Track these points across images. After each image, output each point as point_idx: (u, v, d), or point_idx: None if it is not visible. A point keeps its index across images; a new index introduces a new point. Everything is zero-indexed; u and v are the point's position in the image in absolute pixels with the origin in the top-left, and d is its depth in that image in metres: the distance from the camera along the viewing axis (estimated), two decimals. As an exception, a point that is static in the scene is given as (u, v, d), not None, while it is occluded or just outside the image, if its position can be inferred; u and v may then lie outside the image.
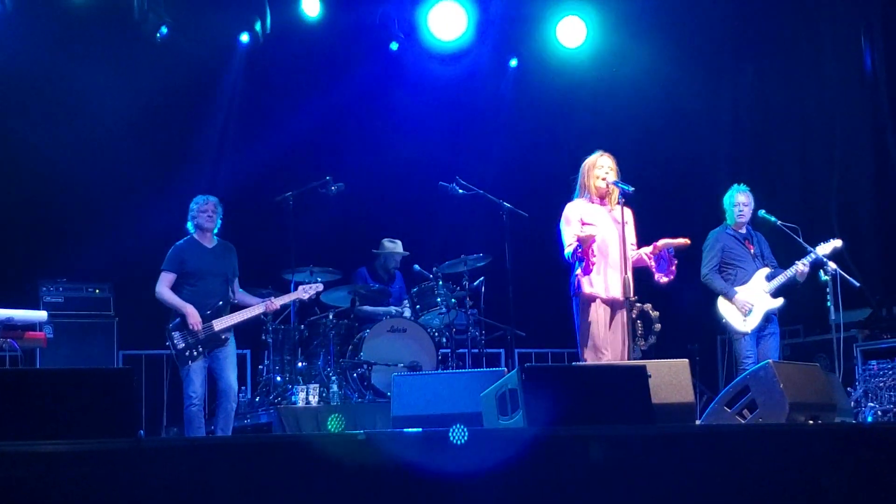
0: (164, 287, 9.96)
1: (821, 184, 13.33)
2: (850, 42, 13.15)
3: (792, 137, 13.92)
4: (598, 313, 8.81)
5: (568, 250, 8.89)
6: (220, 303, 9.97)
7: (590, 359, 8.77)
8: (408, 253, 12.73)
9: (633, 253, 8.97)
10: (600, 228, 8.91)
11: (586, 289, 8.85)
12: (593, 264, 8.79)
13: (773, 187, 13.28)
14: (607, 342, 8.79)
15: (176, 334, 9.77)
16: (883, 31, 12.77)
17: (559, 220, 9.09)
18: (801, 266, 10.32)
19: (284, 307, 11.04)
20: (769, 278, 10.39)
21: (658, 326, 8.92)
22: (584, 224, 8.94)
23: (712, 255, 10.64)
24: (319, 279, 10.89)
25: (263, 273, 11.09)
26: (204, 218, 10.08)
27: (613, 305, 8.85)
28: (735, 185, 10.80)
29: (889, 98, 12.63)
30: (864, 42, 12.91)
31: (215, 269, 10.08)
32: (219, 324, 9.87)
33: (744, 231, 10.68)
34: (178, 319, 9.81)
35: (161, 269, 10.02)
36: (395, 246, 12.72)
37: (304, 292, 10.52)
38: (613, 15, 14.68)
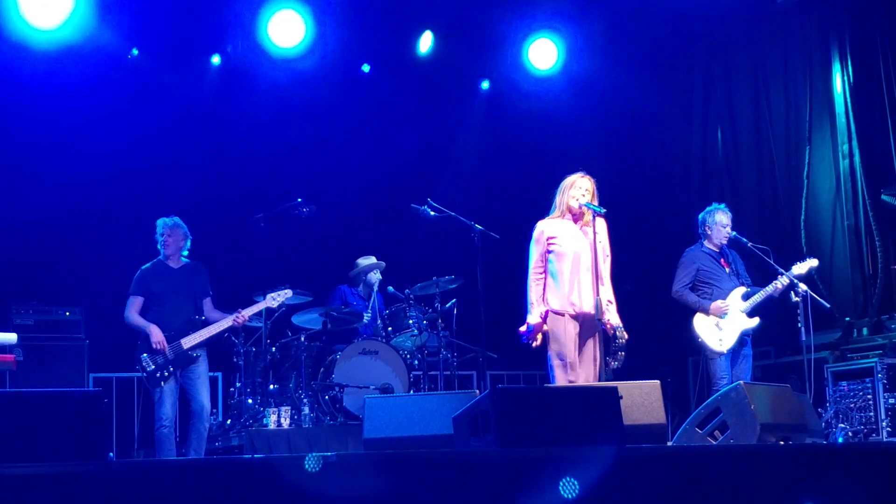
0: (130, 311, 9.98)
1: (790, 205, 13.39)
2: (819, 66, 13.24)
3: (761, 159, 14.00)
4: (568, 330, 8.84)
5: (531, 280, 9.01)
6: (187, 322, 9.96)
7: (559, 376, 8.79)
8: (384, 264, 12.71)
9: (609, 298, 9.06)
10: (573, 245, 8.96)
11: (554, 306, 8.90)
12: (566, 285, 8.89)
13: (742, 208, 13.34)
14: (577, 359, 8.84)
15: (145, 357, 9.75)
16: (852, 56, 12.85)
17: (530, 236, 9.16)
18: (780, 284, 10.32)
19: (255, 326, 11.03)
20: (745, 297, 10.37)
21: (625, 336, 8.93)
22: (552, 243, 9.00)
23: (686, 273, 10.59)
24: (289, 291, 10.83)
25: (234, 295, 11.05)
26: (160, 243, 10.14)
27: (584, 322, 8.88)
28: (715, 204, 10.78)
29: (857, 122, 12.71)
30: (834, 66, 13.00)
31: (181, 290, 10.09)
32: (188, 341, 9.86)
33: (718, 249, 10.67)
34: (144, 342, 9.80)
35: (128, 294, 10.03)
36: (368, 260, 12.70)
37: (273, 300, 10.50)
38: (585, 37, 14.75)
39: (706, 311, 10.36)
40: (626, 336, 8.92)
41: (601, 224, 9.10)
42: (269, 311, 10.67)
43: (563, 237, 9.02)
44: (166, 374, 9.76)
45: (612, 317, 8.97)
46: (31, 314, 11.86)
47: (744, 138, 14.30)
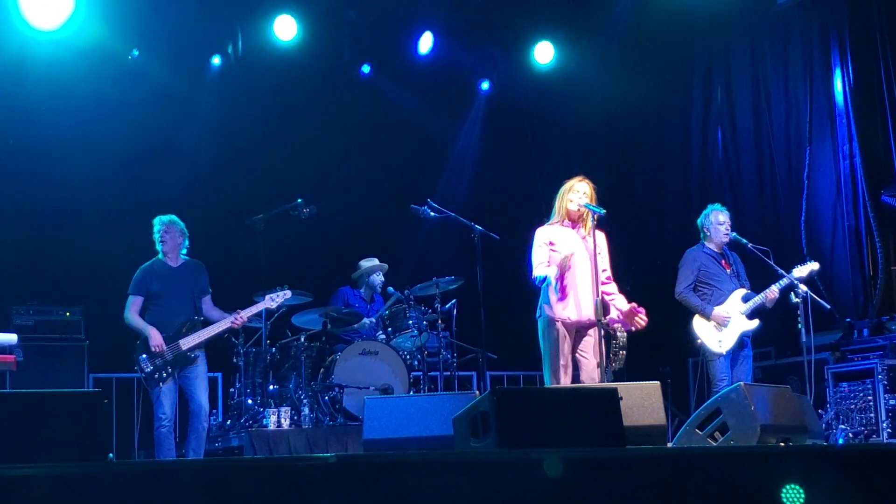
0: (130, 311, 9.99)
1: (790, 206, 13.38)
2: (819, 67, 13.23)
3: (761, 160, 13.99)
4: (563, 335, 8.85)
5: (535, 273, 9.00)
6: (186, 322, 9.97)
7: (554, 380, 8.80)
8: (386, 266, 12.71)
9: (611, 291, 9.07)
10: (570, 251, 8.95)
11: (549, 312, 8.91)
12: (563, 291, 8.87)
13: (742, 209, 13.35)
14: (571, 363, 8.85)
15: (143, 358, 9.76)
16: (852, 57, 12.84)
17: (531, 243, 9.16)
18: (772, 293, 10.31)
19: (255, 327, 11.02)
20: (745, 299, 10.35)
21: (624, 336, 8.95)
22: (551, 249, 9.00)
23: (688, 274, 10.57)
24: (288, 292, 10.81)
25: (234, 296, 11.06)
26: (158, 241, 10.15)
27: (581, 328, 8.89)
28: (711, 205, 10.78)
29: (857, 123, 12.70)
30: (835, 67, 13.00)
31: (180, 289, 10.09)
32: (186, 342, 9.86)
33: (720, 250, 10.66)
34: (143, 343, 9.81)
35: (127, 294, 10.03)
36: (371, 262, 12.70)
37: (272, 301, 10.48)
38: (585, 37, 14.76)
39: (708, 317, 10.35)
40: (626, 334, 8.94)
41: (602, 239, 9.12)
42: (268, 311, 10.66)
43: (561, 244, 9.02)
44: (164, 375, 9.77)
45: (620, 303, 9.02)
46: (31, 314, 11.88)
47: (744, 138, 14.28)
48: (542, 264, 9.08)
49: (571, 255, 8.85)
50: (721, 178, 14.42)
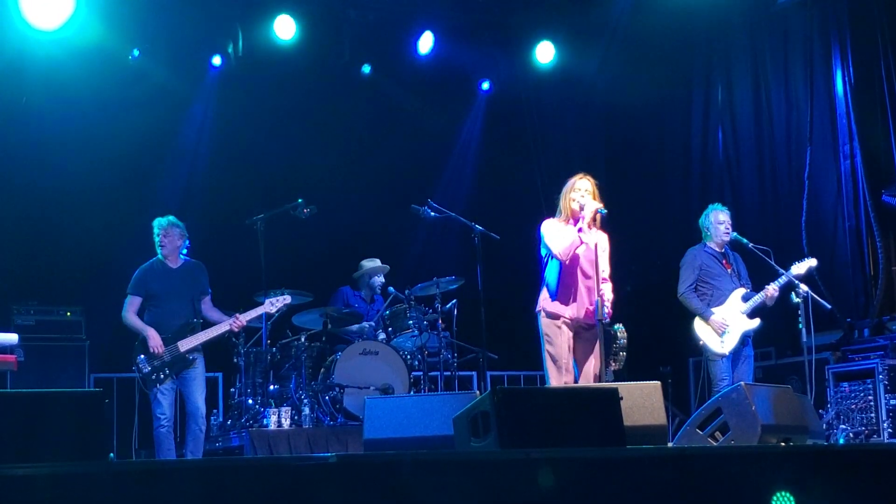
0: (128, 311, 10.02)
1: (790, 206, 13.38)
2: (820, 66, 13.22)
3: (762, 160, 13.99)
4: (563, 333, 8.84)
5: (560, 246, 8.87)
6: (184, 324, 9.99)
7: (554, 378, 8.80)
8: (388, 268, 12.70)
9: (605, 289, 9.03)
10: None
11: (550, 307, 8.90)
12: (565, 289, 8.87)
13: (742, 209, 13.34)
14: (571, 361, 8.83)
15: (141, 358, 9.78)
16: (853, 56, 12.84)
17: (538, 240, 9.13)
18: (771, 290, 10.32)
19: (255, 327, 11.02)
20: (745, 298, 10.36)
21: (624, 336, 8.93)
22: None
23: (690, 273, 10.58)
24: (288, 297, 10.82)
25: (234, 296, 11.05)
26: (157, 243, 10.17)
27: (581, 328, 8.88)
28: (712, 205, 10.79)
29: (858, 123, 12.69)
30: (835, 66, 12.99)
31: (179, 291, 10.11)
32: (184, 344, 9.88)
33: (721, 250, 10.67)
34: (142, 344, 9.82)
35: (127, 294, 10.04)
36: (373, 263, 12.69)
37: (272, 305, 10.49)
38: (585, 37, 14.75)
39: (706, 320, 10.36)
40: (626, 336, 8.93)
41: (604, 239, 9.11)
42: (267, 314, 10.65)
43: (566, 240, 9.01)
44: (162, 376, 9.80)
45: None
46: (32, 314, 11.88)
47: (744, 139, 14.28)
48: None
49: (596, 207, 8.86)
50: (721, 177, 14.43)
